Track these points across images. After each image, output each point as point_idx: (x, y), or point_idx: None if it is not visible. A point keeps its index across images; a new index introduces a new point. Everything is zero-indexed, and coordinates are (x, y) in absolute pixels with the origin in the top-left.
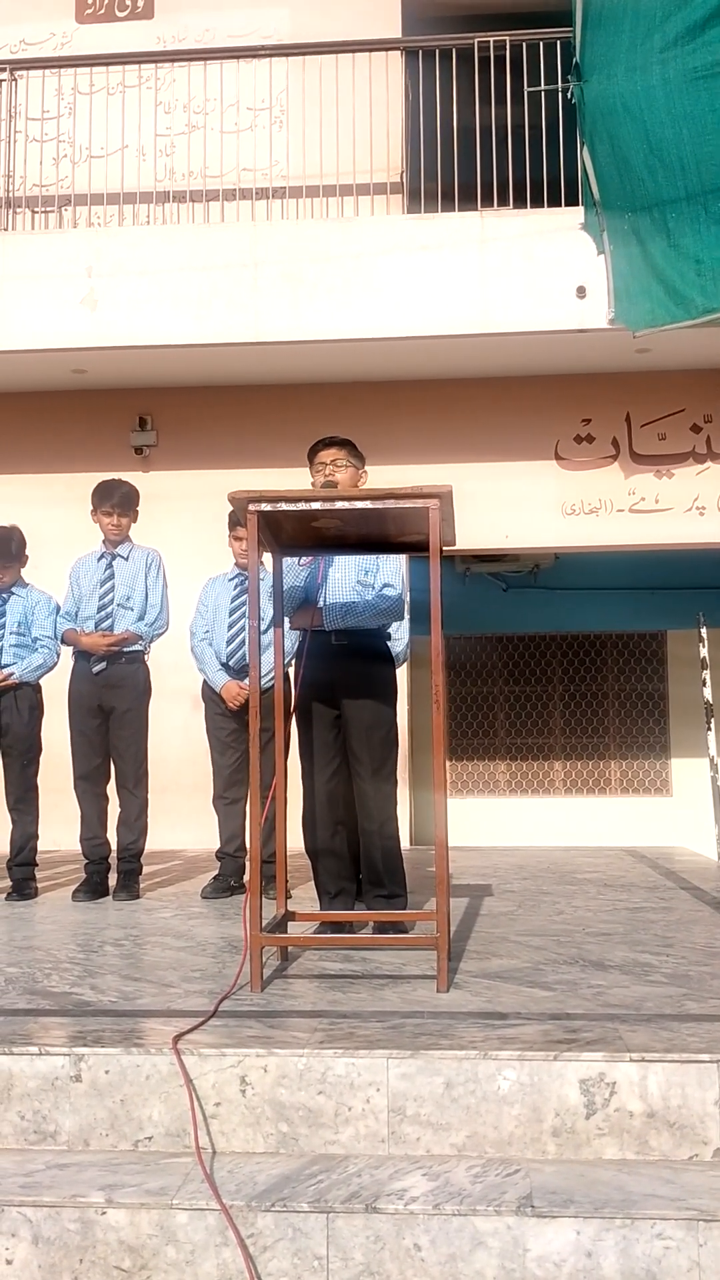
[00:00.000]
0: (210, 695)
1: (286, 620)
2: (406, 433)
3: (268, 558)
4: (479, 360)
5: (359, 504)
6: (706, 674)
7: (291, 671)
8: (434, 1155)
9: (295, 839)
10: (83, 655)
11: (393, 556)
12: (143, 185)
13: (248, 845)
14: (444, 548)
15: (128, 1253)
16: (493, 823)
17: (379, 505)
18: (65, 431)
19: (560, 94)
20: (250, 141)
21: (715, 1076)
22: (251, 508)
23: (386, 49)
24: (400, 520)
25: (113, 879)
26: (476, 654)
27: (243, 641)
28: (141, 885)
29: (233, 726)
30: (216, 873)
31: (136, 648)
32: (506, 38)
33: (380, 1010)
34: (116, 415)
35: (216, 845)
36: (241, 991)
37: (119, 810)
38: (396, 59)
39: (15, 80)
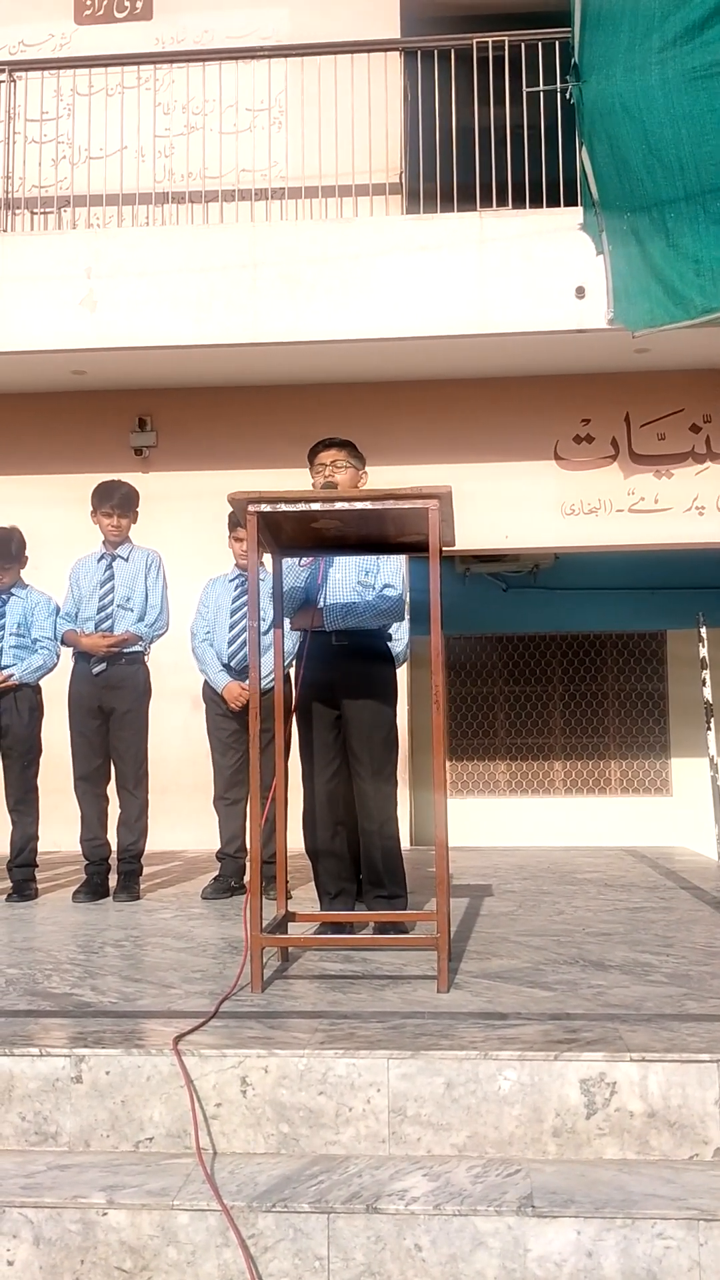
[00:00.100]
0: (211, 696)
1: (287, 621)
2: (406, 433)
3: (268, 558)
4: (478, 360)
5: (358, 505)
6: (706, 674)
7: (292, 672)
8: (435, 1155)
9: (295, 839)
10: (83, 656)
11: (393, 557)
12: (142, 186)
13: (248, 846)
14: (444, 548)
15: (129, 1253)
16: (493, 823)
17: (378, 506)
18: (65, 432)
19: (559, 94)
20: (249, 142)
21: (715, 1076)
22: (251, 508)
23: (385, 50)
24: (400, 521)
25: (113, 880)
26: (476, 654)
27: (244, 642)
28: (142, 886)
29: (234, 727)
30: (217, 873)
31: (136, 649)
32: (505, 38)
33: (381, 1011)
34: (116, 416)
35: (217, 846)
36: (242, 992)
37: (119, 811)
38: (395, 60)
39: (14, 81)
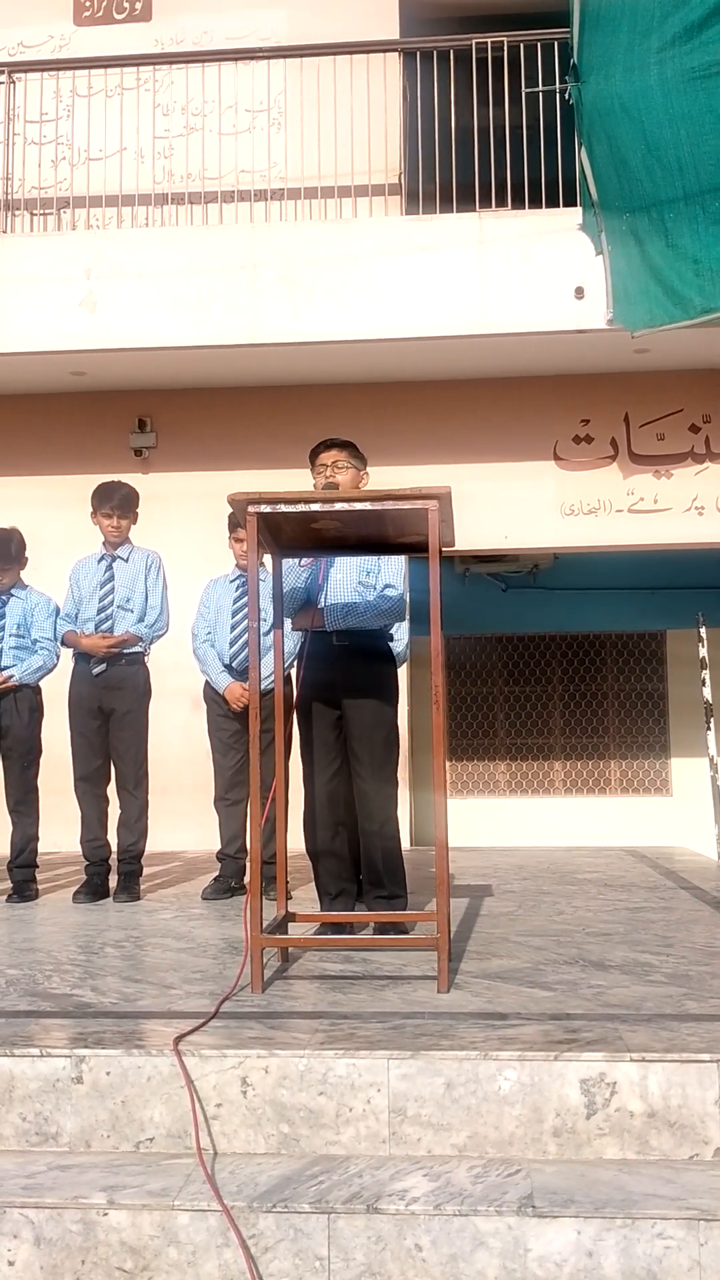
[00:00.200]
0: (212, 696)
1: (288, 621)
2: (405, 434)
3: (268, 559)
4: (477, 361)
5: (358, 505)
6: (706, 674)
7: (294, 673)
8: (435, 1156)
9: (296, 840)
10: (83, 657)
11: (394, 557)
12: (141, 187)
13: (248, 846)
14: (443, 548)
15: (129, 1254)
16: (493, 823)
17: (378, 506)
18: (65, 433)
19: (558, 95)
20: (248, 143)
21: (715, 1076)
22: (251, 509)
23: (384, 50)
24: (399, 521)
25: (113, 880)
26: (476, 654)
27: (246, 643)
28: (142, 887)
29: (235, 728)
30: (217, 874)
31: (136, 649)
32: (504, 39)
33: (381, 1011)
34: (116, 417)
35: (216, 846)
36: (242, 993)
37: (119, 812)
38: (394, 60)
39: (14, 83)
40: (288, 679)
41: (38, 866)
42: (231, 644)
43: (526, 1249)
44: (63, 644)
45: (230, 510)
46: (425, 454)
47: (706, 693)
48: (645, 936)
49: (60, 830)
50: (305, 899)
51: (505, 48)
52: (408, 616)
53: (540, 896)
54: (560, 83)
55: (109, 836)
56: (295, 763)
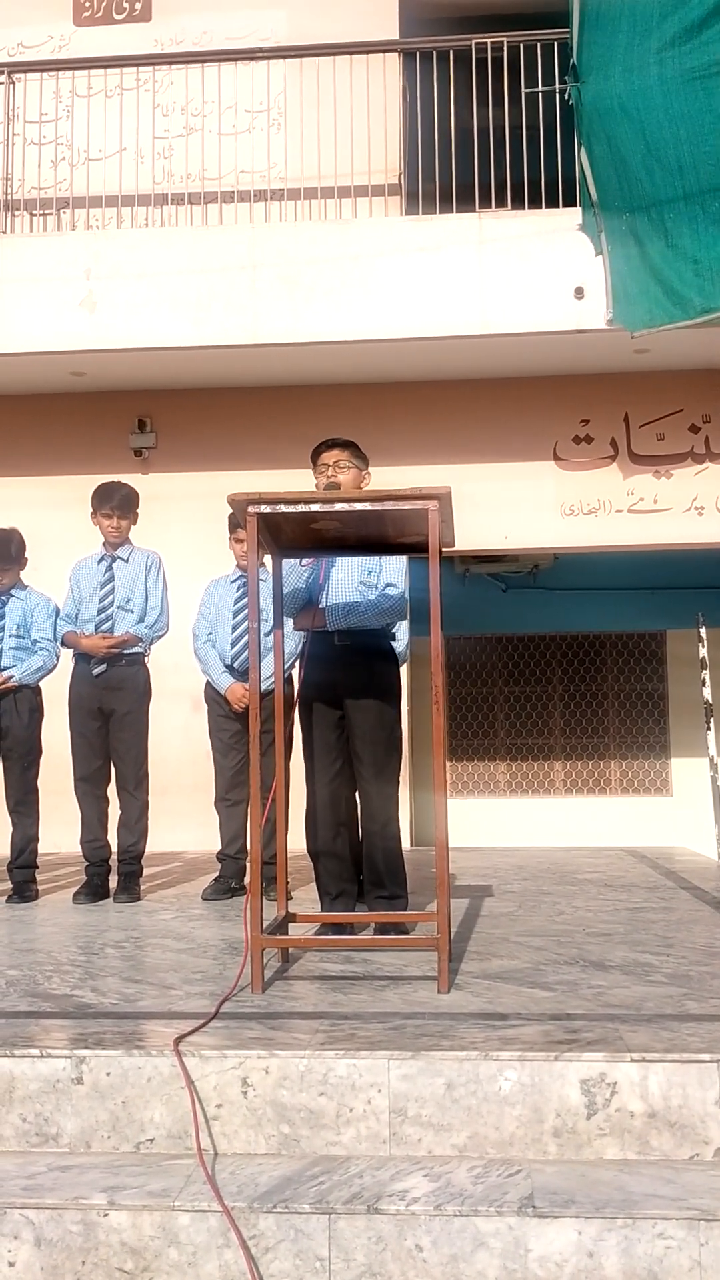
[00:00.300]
0: (213, 697)
1: (289, 622)
2: (405, 434)
3: (269, 559)
4: (477, 361)
5: (358, 506)
6: (706, 674)
7: (295, 673)
8: (435, 1156)
9: (297, 840)
10: (83, 657)
11: (395, 556)
12: (141, 188)
13: (249, 847)
14: (443, 549)
15: (130, 1254)
16: (493, 823)
17: (378, 507)
18: (64, 434)
19: (558, 95)
20: (248, 144)
21: (716, 1076)
22: (251, 509)
23: (384, 51)
24: (399, 521)
25: (113, 881)
26: (476, 654)
27: (247, 643)
28: (142, 887)
29: (235, 728)
30: (217, 874)
31: (136, 650)
32: (504, 39)
33: (381, 1011)
34: (115, 417)
35: (216, 847)
36: (242, 993)
37: (119, 812)
38: (394, 61)
39: (13, 83)
40: (288, 679)
41: (38, 867)
42: (232, 644)
43: (527, 1249)
44: (63, 644)
45: (230, 510)
46: (425, 454)
47: (706, 693)
48: (645, 937)
49: (60, 831)
50: (305, 899)
51: (505, 48)
52: (409, 616)
53: (540, 897)
54: (560, 83)
55: (109, 837)
56: (296, 763)
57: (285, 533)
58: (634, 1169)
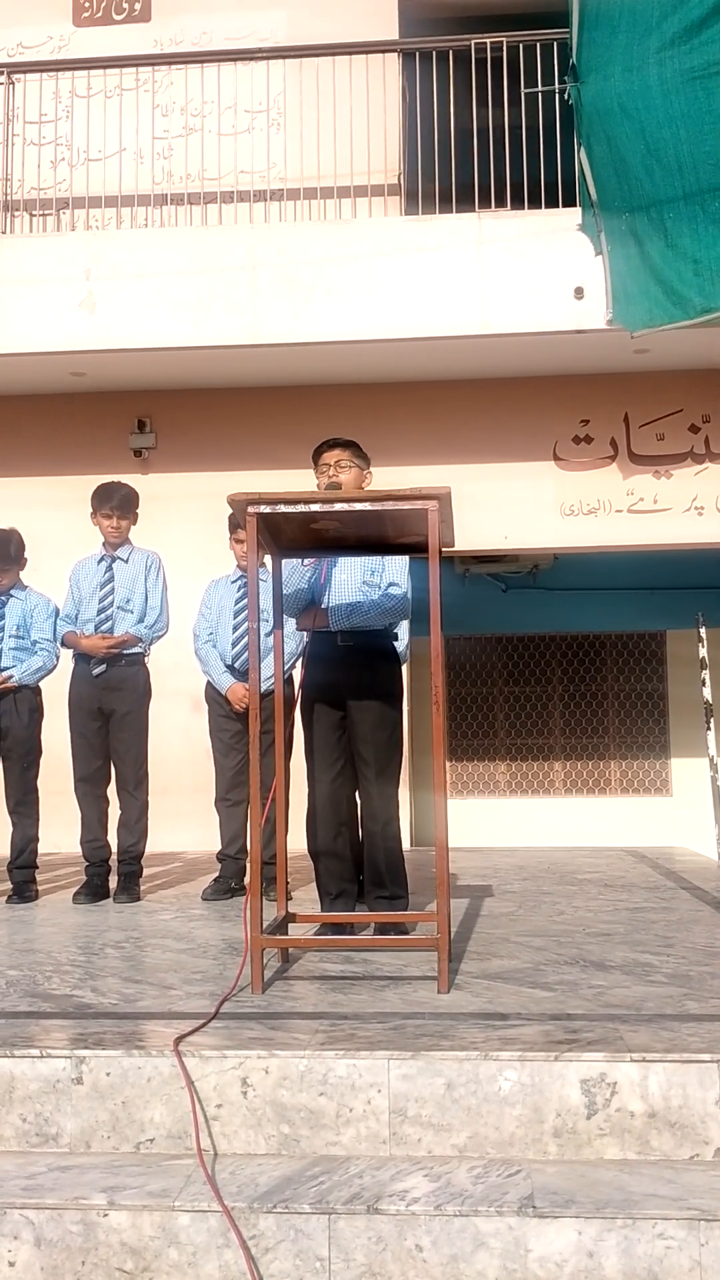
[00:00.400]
0: (214, 697)
1: (289, 622)
2: (405, 434)
3: (270, 559)
4: (477, 361)
5: (358, 506)
6: (706, 674)
7: (296, 673)
8: (435, 1156)
9: (298, 840)
10: (83, 658)
11: (397, 556)
12: (141, 188)
13: (249, 847)
14: (443, 549)
15: (130, 1254)
16: (493, 823)
17: (378, 507)
18: (64, 434)
19: (557, 95)
20: (248, 144)
21: (716, 1076)
22: (250, 510)
23: (383, 51)
24: (399, 522)
25: (113, 881)
26: (476, 655)
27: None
28: (142, 887)
29: (236, 728)
30: (217, 874)
31: (136, 650)
32: (503, 39)
33: (381, 1011)
34: (115, 418)
35: (216, 847)
36: (242, 993)
37: (119, 813)
38: (394, 61)
39: (13, 84)
40: (289, 680)
41: (38, 867)
42: (233, 644)
43: (527, 1249)
44: (63, 645)
45: (230, 511)
46: (425, 454)
47: (706, 693)
48: (645, 937)
49: (60, 831)
50: (305, 899)
51: (504, 48)
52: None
53: (540, 897)
54: (559, 83)
55: (109, 837)
56: (296, 763)
57: (285, 533)
58: (634, 1169)
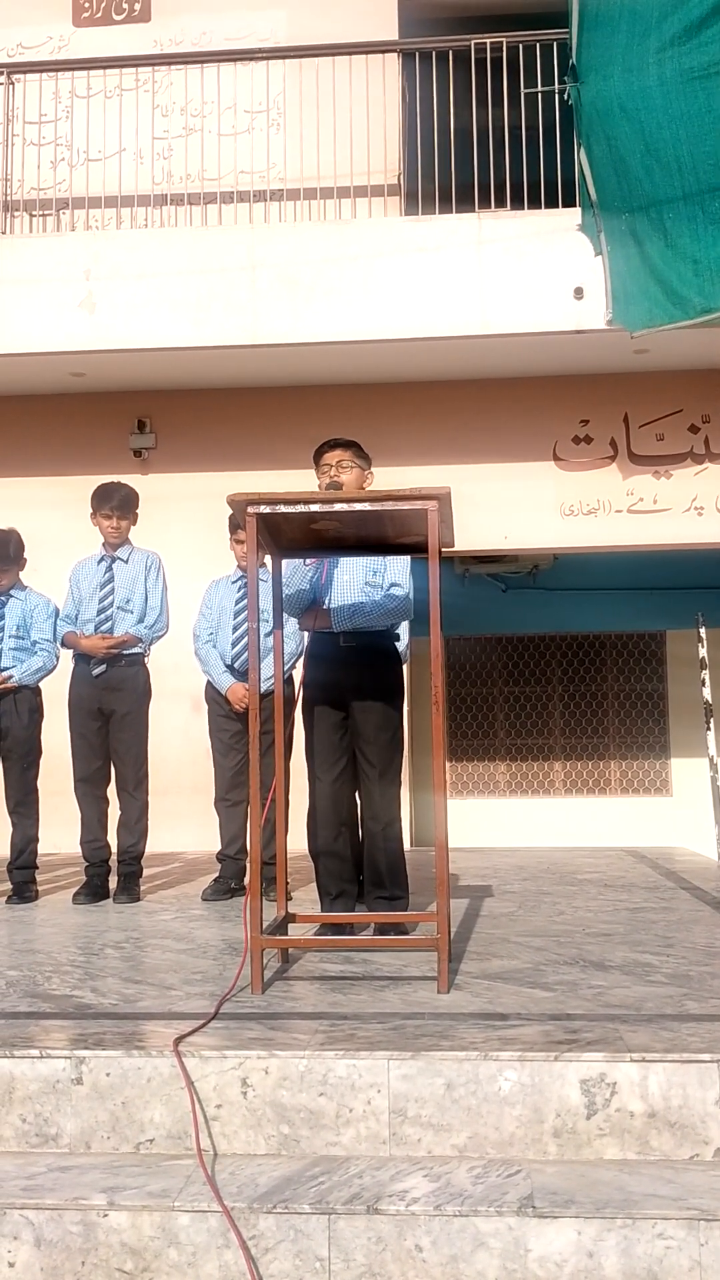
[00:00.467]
0: (214, 697)
1: (291, 622)
2: (405, 434)
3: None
4: (477, 361)
5: (357, 506)
6: (706, 674)
7: (295, 673)
8: (435, 1156)
9: (298, 840)
10: (83, 658)
11: (399, 556)
12: (140, 188)
13: (249, 847)
14: (443, 549)
15: (130, 1255)
16: (493, 823)
17: (378, 507)
18: (64, 434)
19: (557, 95)
20: (248, 144)
21: (716, 1076)
22: (250, 510)
23: (383, 51)
24: (399, 522)
25: (113, 882)
26: (476, 655)
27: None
28: (142, 888)
29: (235, 728)
30: (217, 875)
31: (136, 650)
32: (503, 39)
33: (381, 1012)
34: (115, 418)
35: (216, 847)
36: (242, 993)
37: (119, 813)
38: (393, 61)
39: (13, 84)
40: (288, 680)
41: (37, 868)
42: (233, 645)
43: (527, 1249)
44: (62, 645)
45: (230, 511)
46: (425, 454)
47: (706, 693)
48: (645, 937)
49: (60, 832)
50: (305, 900)
51: (504, 48)
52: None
53: (540, 897)
54: (559, 83)
55: (109, 838)
56: (296, 763)
57: (285, 533)
58: (634, 1169)
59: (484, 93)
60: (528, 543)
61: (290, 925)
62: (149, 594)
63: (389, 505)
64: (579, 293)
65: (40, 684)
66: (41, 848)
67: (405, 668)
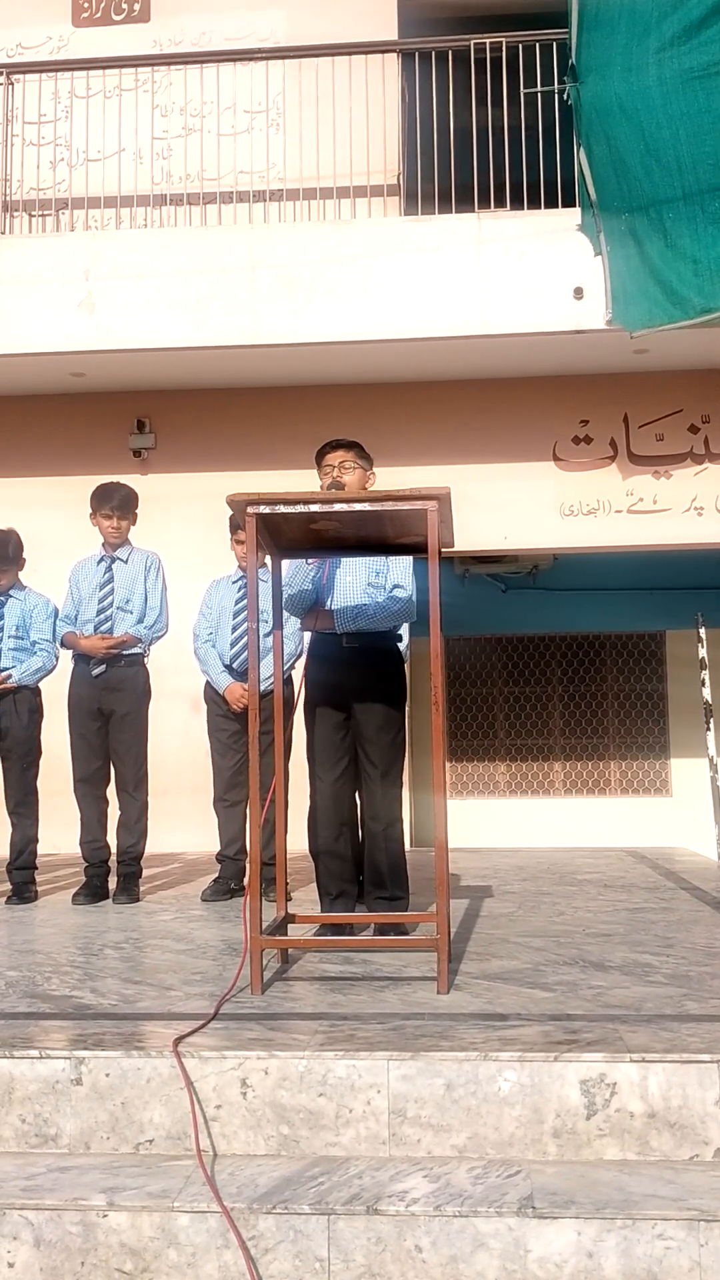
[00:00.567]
0: (213, 697)
1: (291, 622)
2: (405, 434)
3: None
4: (477, 362)
5: (357, 506)
6: (706, 674)
7: (295, 674)
8: (435, 1157)
9: (297, 840)
10: (82, 658)
11: (402, 557)
12: (140, 188)
13: (248, 848)
14: (443, 549)
15: (129, 1255)
16: (493, 824)
17: (377, 507)
18: (64, 434)
19: (557, 95)
20: (247, 144)
21: (716, 1076)
22: (250, 510)
23: (383, 51)
24: (399, 522)
25: (113, 882)
26: (476, 655)
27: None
28: (141, 888)
29: (234, 728)
30: (216, 875)
31: (136, 650)
32: (503, 39)
33: (381, 1012)
34: (115, 418)
35: (216, 848)
36: (242, 994)
37: (119, 813)
38: (393, 61)
39: (12, 84)
40: (288, 680)
41: (37, 868)
42: (232, 645)
43: (527, 1250)
44: (62, 645)
45: (230, 512)
46: (425, 454)
47: (706, 693)
48: (645, 937)
49: (60, 832)
50: (305, 900)
51: (504, 48)
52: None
53: (540, 897)
54: (559, 83)
55: (108, 838)
56: (296, 764)
57: (285, 533)
58: (634, 1169)
59: (484, 93)
60: (528, 543)
61: (290, 925)
62: (149, 594)
63: (389, 505)
64: (579, 293)
65: (40, 684)
66: (41, 848)
67: (405, 668)
